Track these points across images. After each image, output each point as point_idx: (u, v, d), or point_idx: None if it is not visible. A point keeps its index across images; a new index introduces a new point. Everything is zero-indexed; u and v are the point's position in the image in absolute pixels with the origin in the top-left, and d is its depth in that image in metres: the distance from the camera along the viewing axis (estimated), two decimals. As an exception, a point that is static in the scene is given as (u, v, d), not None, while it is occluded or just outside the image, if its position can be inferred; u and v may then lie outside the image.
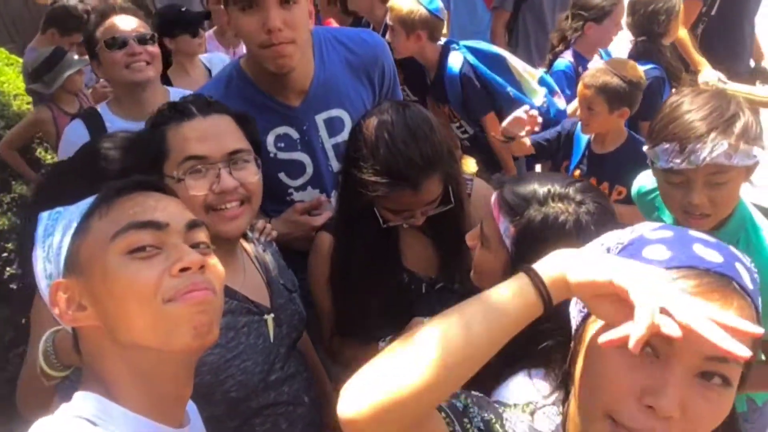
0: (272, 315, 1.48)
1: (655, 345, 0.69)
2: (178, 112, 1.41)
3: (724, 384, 0.69)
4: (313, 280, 1.70)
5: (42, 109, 3.52)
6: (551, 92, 3.03)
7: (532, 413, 0.93)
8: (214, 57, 3.46)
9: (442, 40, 3.07)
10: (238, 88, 1.77)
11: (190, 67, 3.29)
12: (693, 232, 0.78)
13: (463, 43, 3.06)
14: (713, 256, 0.73)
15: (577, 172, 2.68)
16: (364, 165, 1.46)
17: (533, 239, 1.16)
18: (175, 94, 2.32)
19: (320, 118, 1.83)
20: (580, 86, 2.61)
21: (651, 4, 3.03)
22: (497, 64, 2.98)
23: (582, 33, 3.21)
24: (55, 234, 0.93)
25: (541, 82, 3.03)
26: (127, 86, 2.26)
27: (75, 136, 2.18)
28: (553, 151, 2.80)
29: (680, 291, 0.69)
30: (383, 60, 1.93)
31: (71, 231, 0.92)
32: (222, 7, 4.01)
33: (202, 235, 0.95)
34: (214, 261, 0.94)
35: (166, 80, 2.91)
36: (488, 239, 1.27)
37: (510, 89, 2.95)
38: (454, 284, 1.63)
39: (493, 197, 1.28)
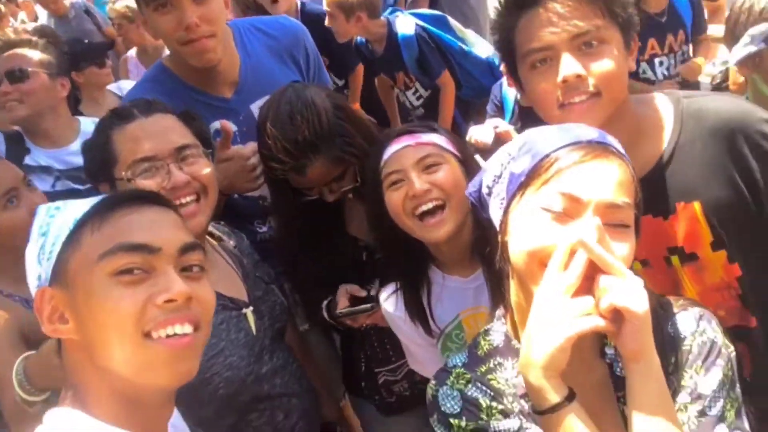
0: (251, 308, 1.47)
1: (568, 208, 0.89)
2: (119, 115, 1.40)
3: (624, 227, 0.91)
4: None
5: None
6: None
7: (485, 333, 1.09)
8: (122, 84, 3.43)
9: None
10: (167, 87, 1.74)
11: (101, 98, 3.29)
12: (569, 125, 1.01)
13: (405, 12, 3.18)
14: (590, 133, 0.96)
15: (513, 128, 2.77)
16: (260, 149, 1.56)
17: None
18: (86, 123, 2.28)
19: (255, 107, 1.80)
20: None
21: None
22: (441, 23, 3.09)
23: None
24: (49, 235, 0.90)
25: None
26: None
27: None
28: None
29: (573, 158, 0.91)
30: (305, 41, 1.94)
31: (62, 238, 0.89)
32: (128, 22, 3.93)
33: (195, 257, 0.92)
34: (202, 288, 0.91)
35: (78, 114, 2.82)
36: None
37: (459, 44, 3.07)
38: None
39: None
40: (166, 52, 3.95)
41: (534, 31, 1.13)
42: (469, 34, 3.16)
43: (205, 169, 1.40)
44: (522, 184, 0.96)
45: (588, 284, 0.86)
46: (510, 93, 2.89)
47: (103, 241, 0.87)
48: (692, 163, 1.16)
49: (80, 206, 0.92)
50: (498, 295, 1.20)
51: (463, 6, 3.77)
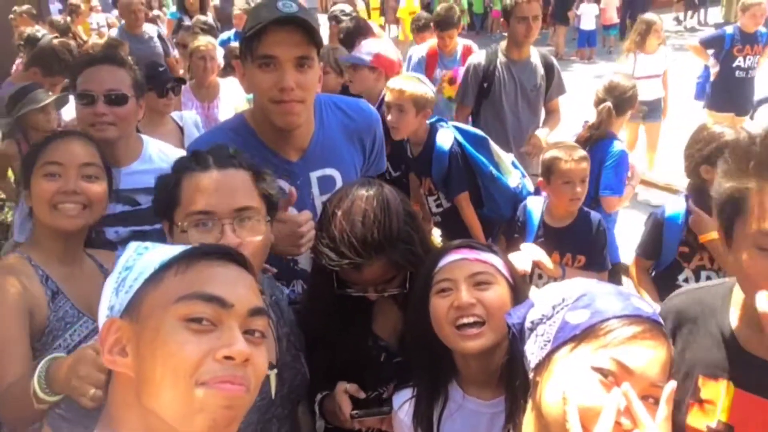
0: (275, 371, 1.46)
1: (618, 375, 0.96)
2: (196, 160, 1.44)
3: (656, 402, 0.97)
4: None
5: (9, 143, 3.43)
6: (522, 175, 3.30)
7: None
8: (185, 113, 3.54)
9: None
10: (243, 138, 1.83)
11: (159, 123, 3.31)
12: (622, 289, 1.08)
13: (451, 123, 3.29)
14: (646, 307, 1.03)
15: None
16: (320, 234, 1.55)
17: None
18: (149, 144, 2.32)
19: (314, 175, 1.91)
20: (572, 165, 2.77)
21: None
22: (481, 144, 3.20)
23: None
24: (133, 270, 0.94)
25: (513, 165, 3.30)
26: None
27: None
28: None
29: (632, 331, 0.98)
30: (376, 129, 2.07)
31: (146, 275, 0.93)
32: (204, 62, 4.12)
33: (260, 323, 0.95)
34: (260, 354, 0.94)
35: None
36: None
37: (491, 168, 3.17)
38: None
39: None
40: (222, 91, 4.21)
41: None
42: (506, 162, 3.26)
43: (257, 237, 1.39)
44: (576, 337, 1.00)
45: None
46: (535, 214, 2.95)
47: (184, 285, 0.90)
48: None
49: (169, 250, 0.97)
50: (512, 426, 1.22)
51: (495, 122, 3.87)
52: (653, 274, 2.84)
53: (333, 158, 1.92)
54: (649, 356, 0.98)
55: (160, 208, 1.46)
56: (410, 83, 3.19)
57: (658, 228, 2.73)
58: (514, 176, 3.23)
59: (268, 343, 1.49)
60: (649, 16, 6.15)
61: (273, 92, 1.70)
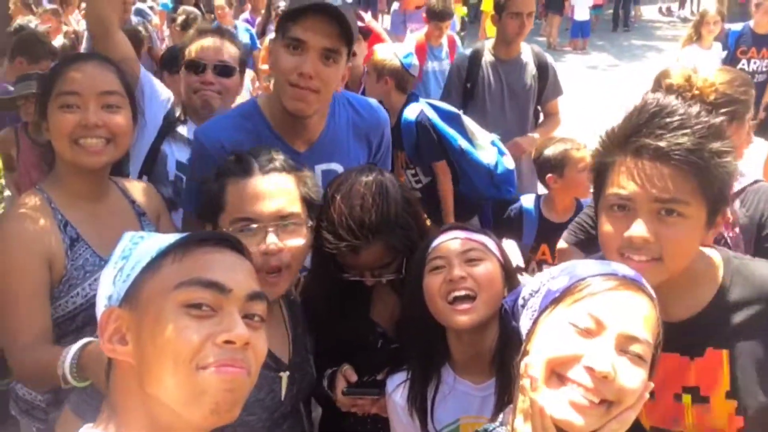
0: (287, 373, 1.50)
1: (592, 329, 1.00)
2: (240, 166, 1.47)
3: (640, 359, 1.00)
4: None
5: (8, 131, 3.46)
6: (501, 153, 3.25)
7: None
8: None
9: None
10: (253, 124, 1.86)
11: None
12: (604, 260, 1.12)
13: (424, 100, 3.33)
14: (627, 271, 1.07)
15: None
16: (320, 218, 1.58)
17: None
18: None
19: (319, 168, 1.92)
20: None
21: None
22: (453, 120, 3.21)
23: None
24: (130, 259, 0.95)
25: (493, 144, 3.27)
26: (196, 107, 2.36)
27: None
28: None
29: (607, 285, 1.02)
30: (384, 129, 2.09)
31: (143, 263, 0.94)
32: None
33: (259, 307, 0.96)
34: (260, 338, 0.95)
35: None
36: None
37: (461, 142, 3.15)
38: None
39: None
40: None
41: (621, 179, 1.18)
42: (481, 139, 3.22)
43: (298, 242, 1.44)
44: (555, 300, 1.06)
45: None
46: (533, 211, 2.98)
47: (182, 272, 0.92)
48: (732, 316, 1.24)
49: (165, 238, 0.98)
50: (502, 407, 1.25)
51: (480, 125, 3.52)
52: None
53: (339, 153, 1.94)
54: (626, 307, 1.00)
55: (206, 213, 1.49)
56: (381, 48, 3.35)
57: None
58: (488, 152, 3.19)
59: (282, 344, 1.54)
60: (704, 7, 5.41)
61: (292, 75, 1.72)
